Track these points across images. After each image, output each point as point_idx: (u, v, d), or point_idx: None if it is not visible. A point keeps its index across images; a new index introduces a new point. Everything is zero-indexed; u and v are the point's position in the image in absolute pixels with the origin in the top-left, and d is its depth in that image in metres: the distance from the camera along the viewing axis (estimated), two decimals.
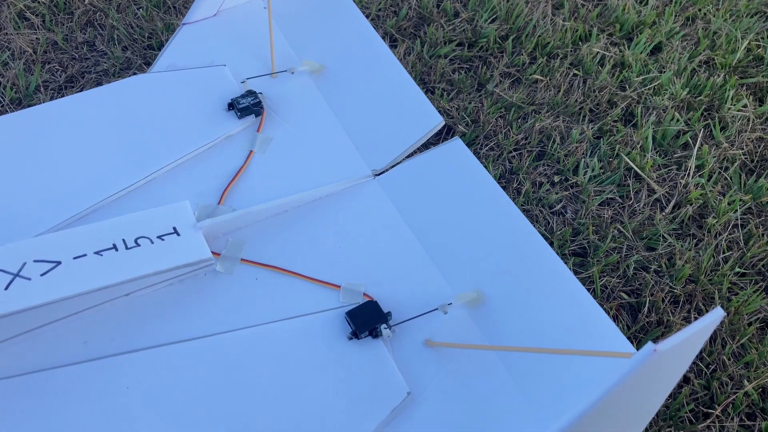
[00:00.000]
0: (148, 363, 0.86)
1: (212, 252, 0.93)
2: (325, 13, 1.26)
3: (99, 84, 1.45)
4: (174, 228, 0.93)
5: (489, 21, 1.68)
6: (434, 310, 0.91)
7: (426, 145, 1.09)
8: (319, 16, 1.25)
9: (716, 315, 0.67)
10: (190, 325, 0.90)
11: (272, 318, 0.91)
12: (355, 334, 0.88)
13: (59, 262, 0.86)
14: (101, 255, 0.88)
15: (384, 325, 0.88)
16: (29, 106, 1.40)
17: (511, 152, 1.45)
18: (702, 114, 1.57)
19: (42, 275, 0.85)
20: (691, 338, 0.66)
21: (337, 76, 1.17)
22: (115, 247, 0.89)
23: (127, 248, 0.89)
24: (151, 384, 0.85)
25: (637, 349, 0.65)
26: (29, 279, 0.84)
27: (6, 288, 0.83)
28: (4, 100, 1.41)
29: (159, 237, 0.91)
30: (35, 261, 0.86)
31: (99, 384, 0.84)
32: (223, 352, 0.87)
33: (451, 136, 1.46)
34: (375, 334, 0.88)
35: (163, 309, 0.91)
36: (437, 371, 0.87)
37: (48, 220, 0.97)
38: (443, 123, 1.08)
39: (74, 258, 0.87)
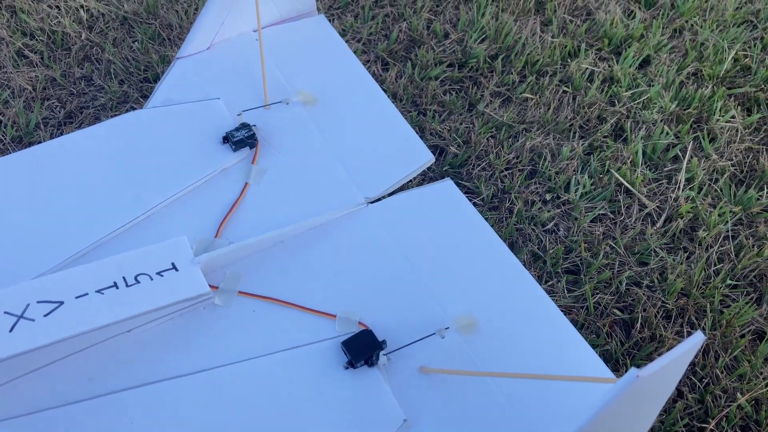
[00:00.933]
0: (152, 397, 0.89)
1: (210, 285, 0.96)
2: (315, 49, 1.29)
3: (97, 119, 1.48)
4: (172, 263, 0.95)
5: (478, 41, 1.71)
6: (432, 335, 0.94)
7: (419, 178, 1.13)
8: (310, 52, 1.28)
9: (697, 339, 0.69)
10: (191, 359, 0.92)
11: (269, 350, 0.93)
12: (351, 364, 0.90)
13: (62, 302, 0.89)
14: (102, 293, 0.91)
15: (375, 356, 0.90)
16: (30, 143, 1.43)
17: (502, 171, 1.47)
18: (691, 126, 1.59)
19: (45, 316, 0.87)
20: (673, 362, 0.68)
21: (329, 109, 1.20)
22: (115, 285, 0.92)
23: (127, 286, 0.92)
24: (154, 418, 0.87)
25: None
26: (33, 320, 0.87)
27: (11, 330, 0.85)
28: (5, 139, 1.44)
29: (158, 273, 0.94)
30: (38, 302, 0.89)
31: (105, 420, 0.87)
32: (223, 385, 0.90)
33: (444, 158, 1.49)
34: (370, 362, 0.90)
35: (164, 344, 0.94)
36: (433, 398, 0.89)
37: (50, 259, 1.00)
38: (433, 160, 1.13)
39: (76, 297, 0.90)
